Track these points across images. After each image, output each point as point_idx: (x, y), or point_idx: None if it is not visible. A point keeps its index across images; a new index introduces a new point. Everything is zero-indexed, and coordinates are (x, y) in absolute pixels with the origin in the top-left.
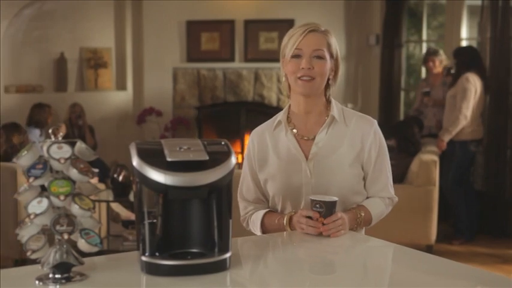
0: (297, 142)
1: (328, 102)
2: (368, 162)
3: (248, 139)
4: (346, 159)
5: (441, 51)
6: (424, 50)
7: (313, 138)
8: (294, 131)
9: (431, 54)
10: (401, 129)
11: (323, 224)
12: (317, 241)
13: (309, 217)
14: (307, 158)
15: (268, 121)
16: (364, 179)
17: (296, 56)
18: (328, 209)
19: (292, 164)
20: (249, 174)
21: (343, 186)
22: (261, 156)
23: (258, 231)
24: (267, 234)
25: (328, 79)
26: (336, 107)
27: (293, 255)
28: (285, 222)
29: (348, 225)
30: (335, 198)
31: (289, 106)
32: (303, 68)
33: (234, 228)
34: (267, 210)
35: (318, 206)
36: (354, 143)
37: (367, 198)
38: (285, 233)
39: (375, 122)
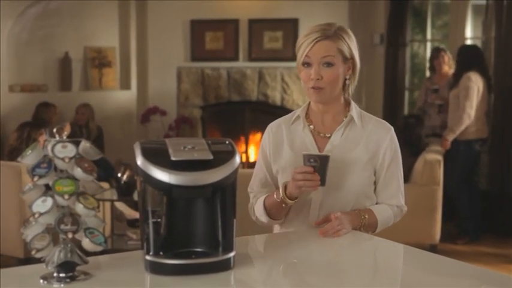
0: (313, 138)
1: (348, 102)
2: (381, 167)
3: (250, 139)
4: (359, 161)
5: (448, 51)
6: (429, 49)
7: (329, 136)
8: (311, 127)
9: (439, 51)
10: (403, 130)
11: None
12: (322, 240)
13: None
14: None
15: (286, 116)
16: (375, 184)
17: (307, 64)
18: (321, 163)
19: None
20: (261, 166)
21: (353, 187)
22: (276, 149)
23: (263, 215)
24: (271, 234)
25: (346, 79)
26: (355, 109)
27: (298, 255)
28: (281, 192)
29: (348, 224)
30: (328, 154)
31: (309, 102)
32: (312, 79)
33: (238, 227)
34: (269, 194)
35: (312, 160)
36: (368, 146)
37: (376, 204)
38: (290, 232)
39: (392, 128)
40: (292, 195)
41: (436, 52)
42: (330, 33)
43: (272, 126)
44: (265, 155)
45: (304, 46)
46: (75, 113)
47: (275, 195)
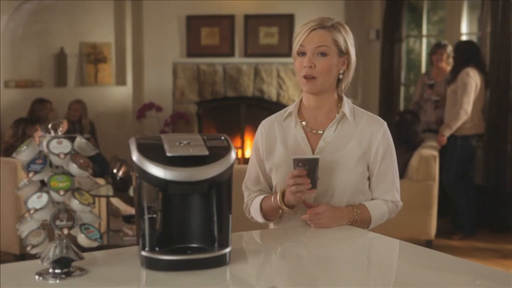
0: (305, 135)
1: (340, 98)
2: (374, 162)
3: (246, 134)
4: (351, 157)
5: (450, 47)
6: (425, 44)
7: (322, 133)
8: (303, 123)
9: (441, 47)
10: (399, 125)
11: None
12: (317, 236)
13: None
14: (313, 151)
15: (278, 112)
16: (369, 179)
17: (301, 54)
18: (310, 166)
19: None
20: (255, 164)
21: (346, 183)
22: (269, 146)
23: (258, 216)
24: (267, 229)
25: (339, 74)
26: (347, 105)
27: (293, 250)
28: (278, 199)
29: (329, 219)
30: (317, 156)
31: (301, 99)
32: (305, 67)
33: (234, 223)
34: (266, 195)
35: (300, 164)
36: (361, 142)
37: (372, 199)
38: (285, 228)
39: (385, 123)
40: (290, 202)
41: (436, 48)
42: (327, 25)
43: (264, 124)
44: (258, 153)
45: (300, 35)
46: (68, 109)
47: (272, 200)
